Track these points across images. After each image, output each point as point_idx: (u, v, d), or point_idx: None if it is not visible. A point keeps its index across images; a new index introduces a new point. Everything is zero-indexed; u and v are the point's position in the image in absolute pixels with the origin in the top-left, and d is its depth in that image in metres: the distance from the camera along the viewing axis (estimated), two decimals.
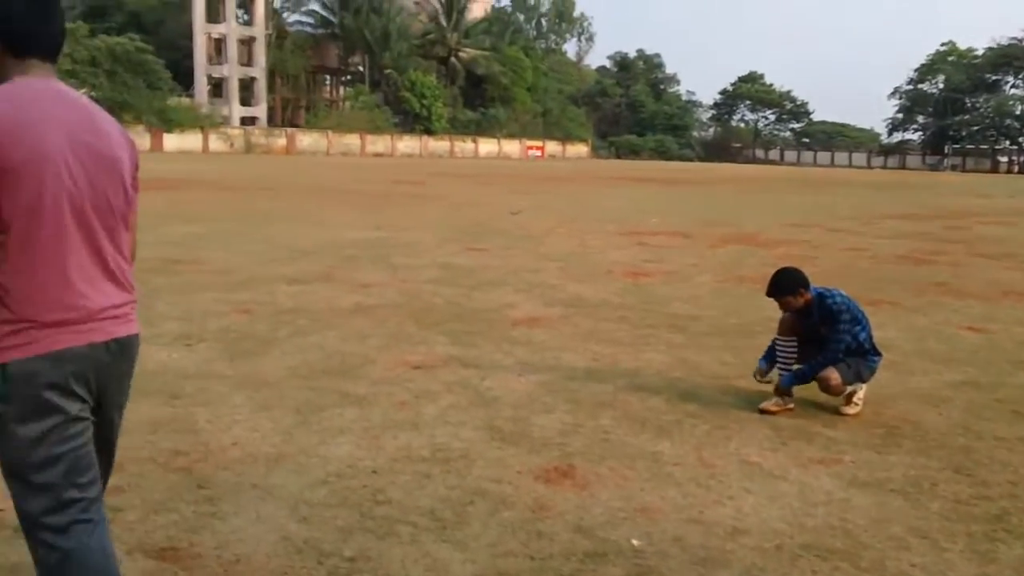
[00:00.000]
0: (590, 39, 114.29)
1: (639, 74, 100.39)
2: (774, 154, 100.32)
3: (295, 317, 6.86)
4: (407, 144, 69.22)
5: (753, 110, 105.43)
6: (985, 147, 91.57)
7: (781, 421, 4.60)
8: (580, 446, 4.13)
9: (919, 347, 6.44)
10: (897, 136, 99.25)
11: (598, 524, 3.27)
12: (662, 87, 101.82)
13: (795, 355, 4.87)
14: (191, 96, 60.17)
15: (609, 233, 14.21)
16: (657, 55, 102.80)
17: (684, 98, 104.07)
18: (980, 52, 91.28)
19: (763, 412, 4.69)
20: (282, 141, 61.99)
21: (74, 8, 60.20)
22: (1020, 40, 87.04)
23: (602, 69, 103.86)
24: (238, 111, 64.24)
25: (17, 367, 1.94)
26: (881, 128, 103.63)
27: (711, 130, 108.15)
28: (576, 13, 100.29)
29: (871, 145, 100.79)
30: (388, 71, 71.16)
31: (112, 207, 2.10)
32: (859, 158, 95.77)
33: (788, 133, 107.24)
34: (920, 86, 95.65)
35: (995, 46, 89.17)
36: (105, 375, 2.10)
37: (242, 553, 2.95)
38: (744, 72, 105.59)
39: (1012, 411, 4.88)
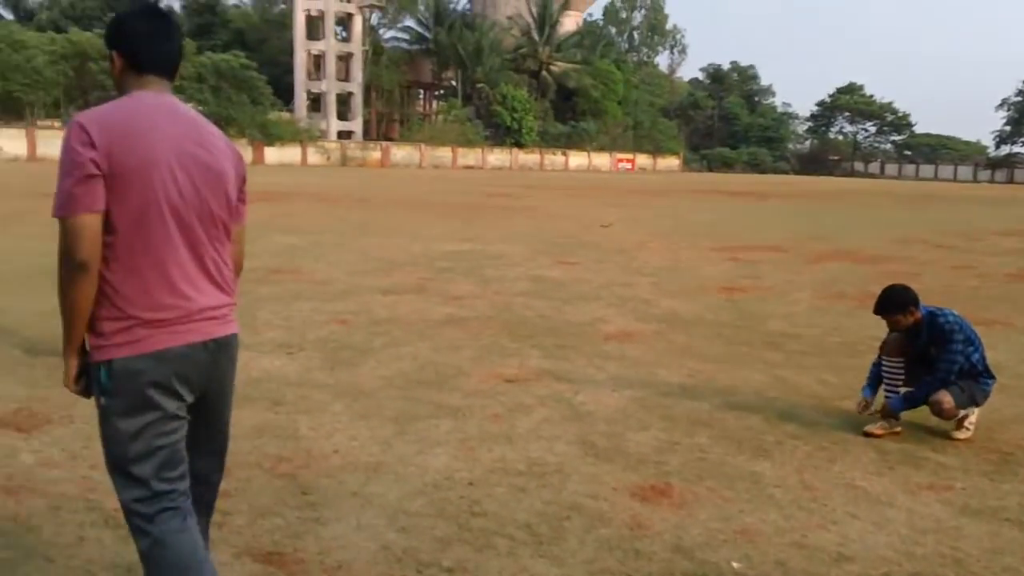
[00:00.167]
0: (683, 51, 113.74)
1: (732, 86, 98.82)
2: (874, 167, 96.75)
3: (390, 328, 6.99)
4: (497, 157, 69.81)
5: (852, 122, 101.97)
6: None
7: (887, 444, 4.44)
8: (677, 464, 4.07)
9: None
10: (1005, 149, 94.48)
11: (697, 545, 3.21)
12: (756, 99, 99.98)
13: (902, 377, 4.70)
14: (291, 111, 62.13)
15: (702, 248, 13.99)
16: (751, 66, 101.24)
17: (779, 110, 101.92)
18: None
19: (868, 435, 4.53)
20: (377, 154, 63.33)
21: (182, 27, 62.69)
22: None
23: (695, 81, 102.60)
24: (335, 125, 66.02)
25: (121, 364, 2.07)
26: (988, 140, 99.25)
27: (807, 142, 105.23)
28: (668, 26, 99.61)
29: (977, 158, 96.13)
30: (480, 85, 72.00)
31: (214, 216, 2.21)
32: (964, 171, 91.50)
33: (889, 146, 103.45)
34: None
35: None
36: (205, 374, 2.21)
37: (344, 560, 3.01)
38: (842, 83, 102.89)
39: None
